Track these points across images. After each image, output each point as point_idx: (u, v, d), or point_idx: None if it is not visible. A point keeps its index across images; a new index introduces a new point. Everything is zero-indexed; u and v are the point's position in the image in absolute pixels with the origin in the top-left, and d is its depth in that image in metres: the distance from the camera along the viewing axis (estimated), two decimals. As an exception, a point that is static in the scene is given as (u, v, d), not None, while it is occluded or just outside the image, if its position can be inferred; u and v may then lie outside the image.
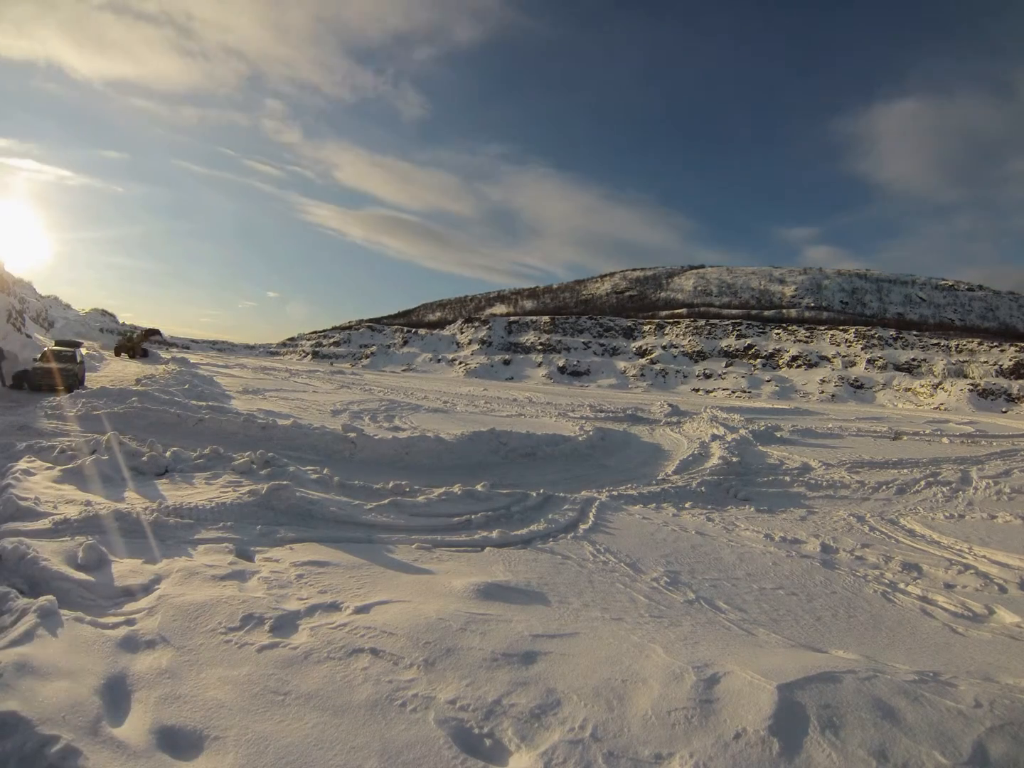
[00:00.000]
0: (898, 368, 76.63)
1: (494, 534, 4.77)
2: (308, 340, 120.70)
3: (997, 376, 69.01)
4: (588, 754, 1.96)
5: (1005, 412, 55.66)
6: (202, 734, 2.01)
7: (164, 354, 39.94)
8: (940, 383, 68.54)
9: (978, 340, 79.39)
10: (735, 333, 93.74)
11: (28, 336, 19.27)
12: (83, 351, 17.85)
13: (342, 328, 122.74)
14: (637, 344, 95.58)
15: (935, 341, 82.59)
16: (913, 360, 77.33)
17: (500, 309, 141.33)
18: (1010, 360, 70.72)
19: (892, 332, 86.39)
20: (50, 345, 18.24)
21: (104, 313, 71.94)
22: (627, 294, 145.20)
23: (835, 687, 2.25)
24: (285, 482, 5.11)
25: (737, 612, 3.71)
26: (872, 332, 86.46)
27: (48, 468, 5.38)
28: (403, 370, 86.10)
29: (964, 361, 74.44)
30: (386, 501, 5.31)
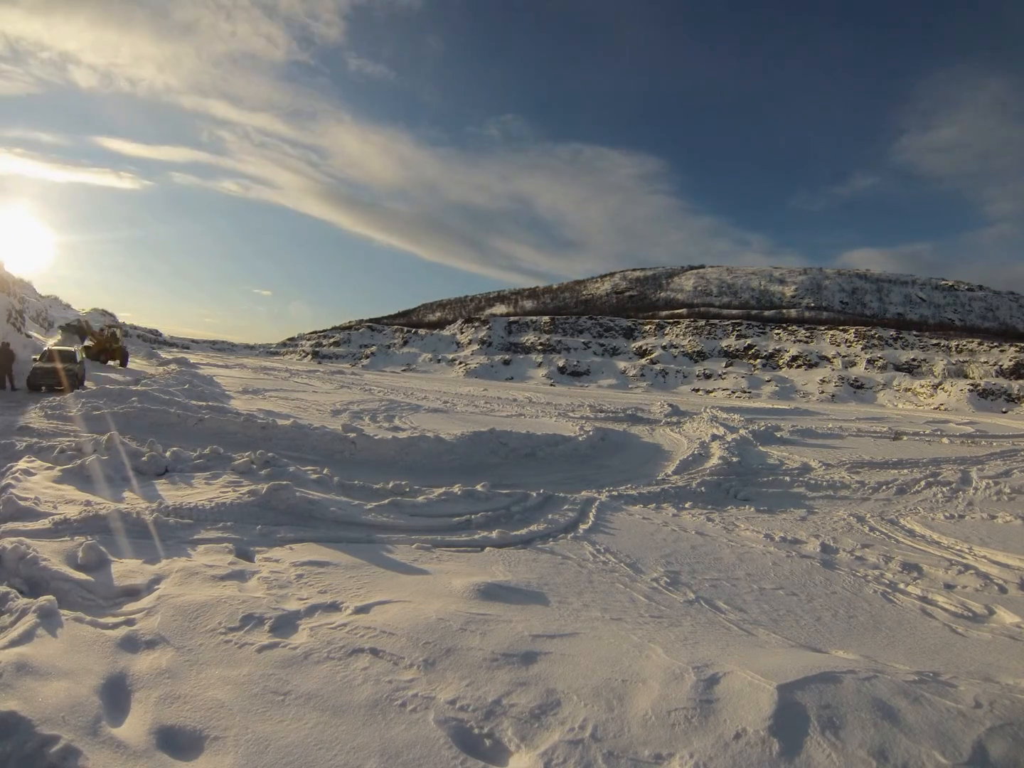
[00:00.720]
0: (898, 368, 76.67)
1: (494, 534, 4.77)
2: (308, 340, 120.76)
3: (997, 376, 69.03)
4: (588, 754, 1.96)
5: (1005, 412, 55.67)
6: (202, 734, 2.01)
7: (165, 354, 39.92)
8: (940, 383, 68.56)
9: (978, 340, 79.46)
10: (735, 333, 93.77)
11: (28, 336, 19.28)
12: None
13: (342, 328, 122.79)
14: (637, 344, 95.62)
15: (935, 341, 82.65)
16: (913, 360, 77.37)
17: (500, 309, 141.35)
18: (1010, 360, 70.74)
19: (892, 332, 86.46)
20: (50, 344, 18.38)
21: (104, 313, 71.95)
22: (627, 294, 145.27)
23: (835, 687, 2.24)
24: (285, 482, 5.11)
25: (737, 612, 3.70)
26: (872, 332, 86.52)
27: (48, 468, 5.38)
28: (403, 370, 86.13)
29: (964, 361, 74.47)
30: (386, 501, 5.30)
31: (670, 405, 23.68)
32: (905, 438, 17.53)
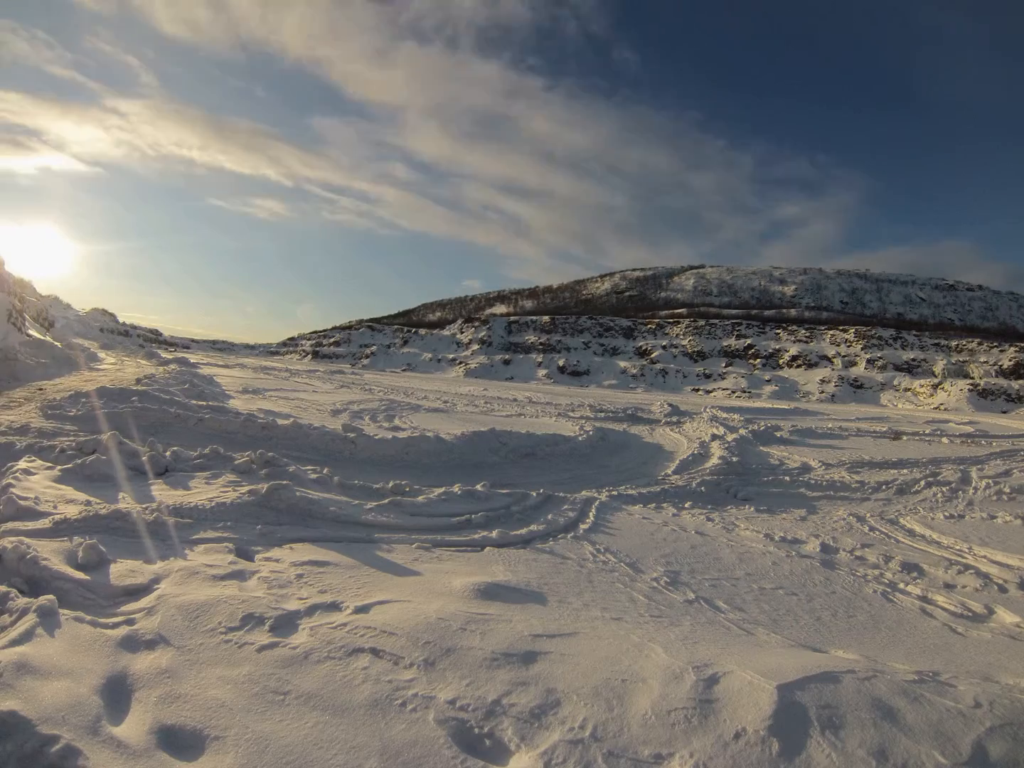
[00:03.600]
0: (898, 368, 76.66)
1: (494, 534, 4.77)
2: (308, 340, 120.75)
3: (997, 376, 69.05)
4: (588, 754, 1.96)
5: (1005, 412, 55.66)
6: (202, 734, 2.01)
7: (165, 354, 39.90)
8: (940, 383, 68.56)
9: (978, 340, 79.50)
10: (735, 333, 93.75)
11: (28, 336, 19.28)
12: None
13: (342, 328, 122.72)
14: (637, 344, 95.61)
15: (935, 341, 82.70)
16: (913, 360, 77.39)
17: (500, 309, 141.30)
18: (1010, 360, 70.76)
19: (892, 332, 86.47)
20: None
21: (104, 312, 72.00)
22: (627, 294, 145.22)
23: (835, 687, 2.25)
24: (285, 482, 5.11)
25: (737, 612, 3.71)
26: (872, 332, 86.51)
27: (48, 468, 5.38)
28: (403, 370, 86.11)
29: (964, 361, 74.51)
30: (386, 501, 5.30)
31: (670, 405, 23.66)
32: (905, 438, 17.52)
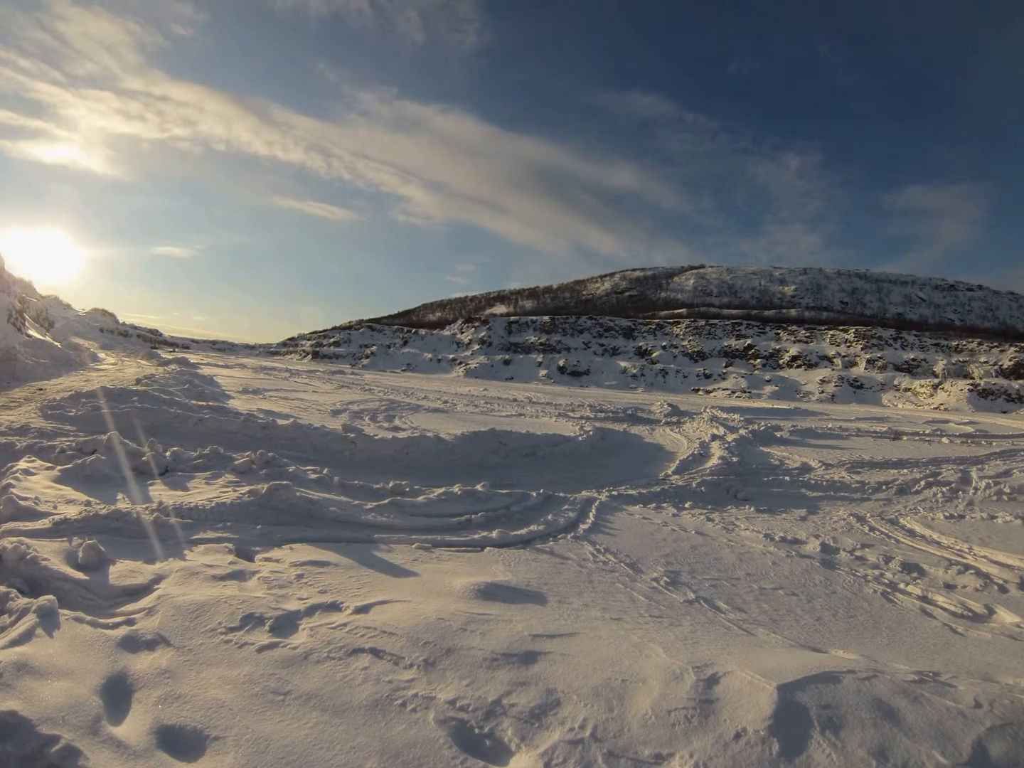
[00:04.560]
0: (898, 368, 76.71)
1: (494, 534, 4.77)
2: (308, 340, 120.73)
3: (997, 376, 69.08)
4: (588, 754, 1.96)
5: (1005, 412, 55.66)
6: (202, 734, 2.01)
7: (165, 354, 39.87)
8: (940, 383, 68.56)
9: (978, 340, 79.60)
10: (735, 333, 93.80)
11: (28, 336, 19.28)
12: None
13: (342, 328, 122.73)
14: (637, 344, 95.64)
15: (935, 341, 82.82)
16: (913, 360, 77.43)
17: (500, 309, 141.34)
18: (1010, 360, 70.82)
19: (892, 332, 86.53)
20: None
21: (104, 313, 72.01)
22: (627, 294, 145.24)
23: (835, 687, 2.25)
24: (285, 482, 5.11)
25: (737, 612, 3.71)
26: (872, 332, 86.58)
27: (48, 468, 5.38)
28: (403, 370, 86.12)
29: (964, 361, 74.57)
30: (386, 501, 5.30)
31: (670, 405, 23.66)
32: (905, 438, 17.53)
